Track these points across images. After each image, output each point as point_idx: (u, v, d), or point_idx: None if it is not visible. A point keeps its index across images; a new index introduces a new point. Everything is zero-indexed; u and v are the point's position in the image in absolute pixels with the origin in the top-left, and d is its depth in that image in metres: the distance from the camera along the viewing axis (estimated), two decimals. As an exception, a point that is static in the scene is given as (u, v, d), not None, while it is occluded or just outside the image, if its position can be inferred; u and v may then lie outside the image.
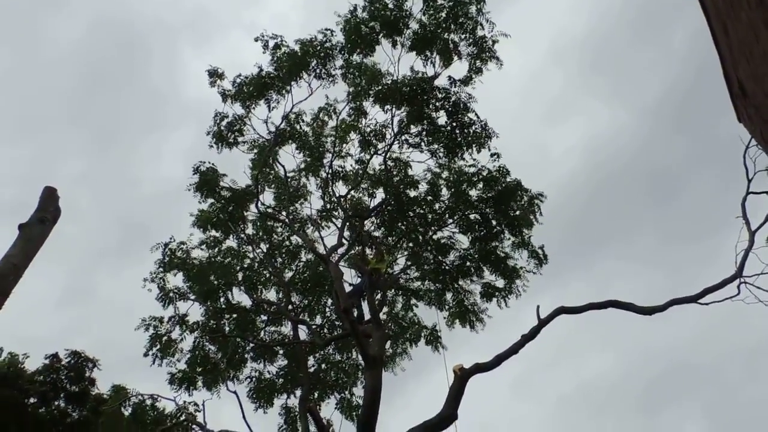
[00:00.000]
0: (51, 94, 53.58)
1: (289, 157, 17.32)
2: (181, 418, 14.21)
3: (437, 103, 15.40)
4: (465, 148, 15.72)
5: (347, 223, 16.06)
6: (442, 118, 15.65)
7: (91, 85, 54.16)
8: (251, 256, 17.46)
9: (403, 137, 16.18)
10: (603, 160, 47.98)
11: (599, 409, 44.42)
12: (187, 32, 51.55)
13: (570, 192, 44.88)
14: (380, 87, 15.49)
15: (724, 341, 42.02)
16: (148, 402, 14.55)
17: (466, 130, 15.49)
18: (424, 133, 15.97)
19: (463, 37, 14.90)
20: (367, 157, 16.81)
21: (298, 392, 16.06)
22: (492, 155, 15.71)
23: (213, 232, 17.12)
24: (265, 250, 17.56)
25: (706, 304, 12.13)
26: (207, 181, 16.33)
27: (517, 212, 15.85)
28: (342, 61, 15.75)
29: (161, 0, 50.18)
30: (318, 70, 15.68)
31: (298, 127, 16.89)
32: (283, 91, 15.89)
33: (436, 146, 16.12)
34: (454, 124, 15.49)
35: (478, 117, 15.33)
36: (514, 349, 11.21)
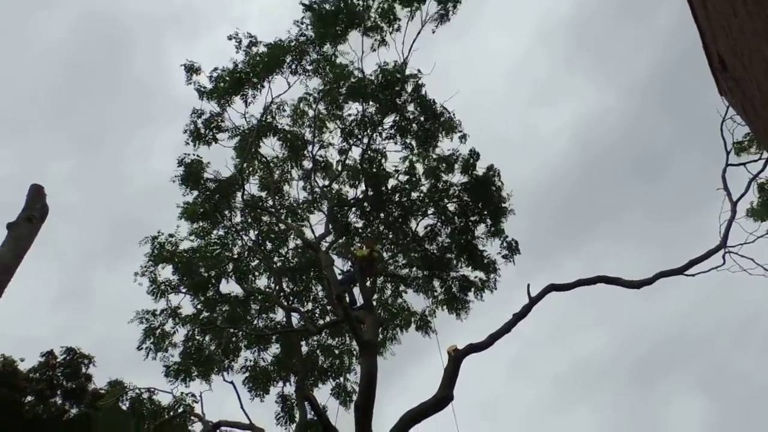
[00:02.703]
0: (37, 92, 52.78)
1: (271, 149, 17.34)
2: (179, 410, 14.21)
3: (407, 96, 15.68)
4: (436, 136, 16.07)
5: (330, 214, 16.13)
6: (412, 109, 15.97)
7: (78, 82, 53.42)
8: (240, 244, 17.43)
9: (376, 131, 16.31)
10: (591, 139, 48.17)
11: (594, 385, 45.00)
12: (174, 27, 50.87)
13: (561, 173, 45.02)
14: (350, 83, 15.72)
15: (715, 313, 42.60)
16: (146, 395, 14.55)
17: (436, 121, 15.79)
18: (396, 126, 16.13)
19: None
20: (347, 146, 16.91)
21: (294, 379, 16.12)
22: (461, 137, 15.98)
23: (201, 223, 17.06)
24: (253, 238, 17.53)
25: (693, 275, 12.32)
26: (192, 172, 16.27)
27: (497, 198, 15.86)
28: (315, 55, 15.93)
29: (147, -6, 49.30)
30: (294, 66, 15.84)
31: (278, 119, 17.01)
32: (259, 86, 15.99)
33: (408, 139, 16.34)
34: (426, 114, 15.77)
35: (445, 109, 15.82)
36: (506, 328, 11.34)
